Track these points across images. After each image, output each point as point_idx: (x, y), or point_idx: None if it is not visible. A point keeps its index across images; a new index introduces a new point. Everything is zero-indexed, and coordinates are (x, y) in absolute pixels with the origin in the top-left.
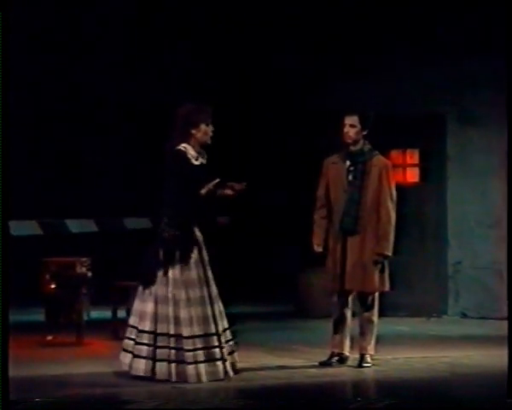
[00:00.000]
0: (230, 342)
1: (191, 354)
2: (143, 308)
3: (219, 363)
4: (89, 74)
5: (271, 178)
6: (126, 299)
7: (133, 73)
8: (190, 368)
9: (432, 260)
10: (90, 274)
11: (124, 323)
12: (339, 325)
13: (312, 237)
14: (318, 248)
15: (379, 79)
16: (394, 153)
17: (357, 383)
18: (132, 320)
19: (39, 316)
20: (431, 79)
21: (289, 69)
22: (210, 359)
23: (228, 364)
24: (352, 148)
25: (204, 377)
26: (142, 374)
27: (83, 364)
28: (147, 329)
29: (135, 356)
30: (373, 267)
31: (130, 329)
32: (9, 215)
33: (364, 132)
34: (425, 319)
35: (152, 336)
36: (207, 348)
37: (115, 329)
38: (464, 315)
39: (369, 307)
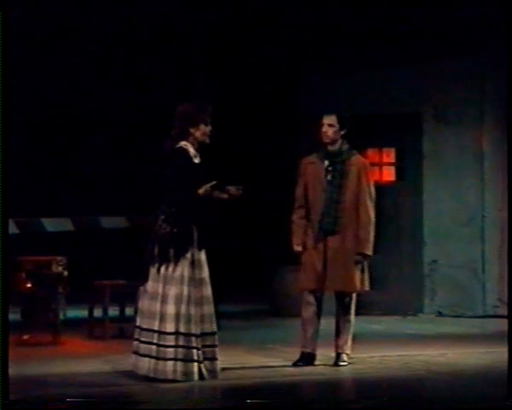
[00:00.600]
0: (216, 348)
1: (172, 350)
2: (142, 306)
3: (195, 364)
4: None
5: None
6: (103, 298)
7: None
8: (169, 364)
9: (408, 258)
10: (66, 273)
11: (100, 322)
12: (311, 324)
13: (292, 238)
14: (298, 248)
15: (356, 79)
16: (371, 151)
17: (333, 381)
18: (137, 320)
19: (15, 315)
20: (407, 78)
21: (272, 67)
22: (187, 359)
23: (203, 367)
24: (330, 147)
25: (179, 376)
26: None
27: (60, 363)
28: (145, 326)
29: (139, 355)
30: (354, 267)
31: (136, 330)
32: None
33: (342, 132)
34: (401, 317)
35: (141, 331)
36: (188, 347)
37: (91, 328)
38: (440, 313)
39: (347, 307)
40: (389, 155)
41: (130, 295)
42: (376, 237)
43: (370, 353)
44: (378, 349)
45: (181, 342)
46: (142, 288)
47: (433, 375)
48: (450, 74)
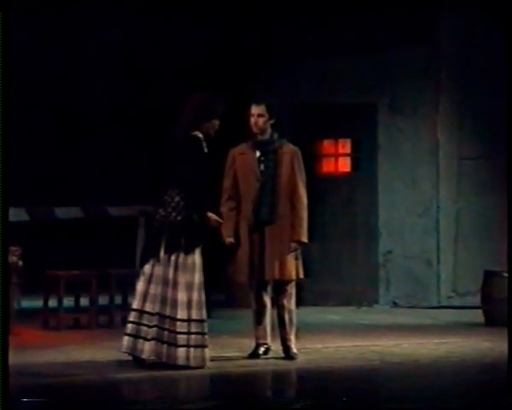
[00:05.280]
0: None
1: (185, 336)
2: (145, 289)
3: (206, 350)
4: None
5: None
6: (58, 288)
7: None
8: (181, 351)
9: (363, 249)
10: (20, 263)
11: (55, 312)
12: (260, 316)
13: (222, 230)
14: (230, 240)
15: (312, 69)
16: (326, 142)
17: (287, 372)
18: (136, 303)
19: None
20: (363, 68)
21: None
22: (200, 345)
23: (207, 351)
24: (261, 137)
25: (192, 362)
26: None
27: (14, 354)
28: (154, 311)
29: (142, 338)
30: (289, 255)
31: (133, 312)
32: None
33: (271, 121)
34: (356, 308)
35: (148, 316)
36: (200, 333)
37: (46, 318)
38: (395, 304)
39: (287, 296)
40: (345, 146)
41: (84, 285)
42: (331, 227)
43: (325, 343)
44: (333, 340)
45: (194, 329)
46: (143, 271)
47: (387, 365)
48: (405, 65)
